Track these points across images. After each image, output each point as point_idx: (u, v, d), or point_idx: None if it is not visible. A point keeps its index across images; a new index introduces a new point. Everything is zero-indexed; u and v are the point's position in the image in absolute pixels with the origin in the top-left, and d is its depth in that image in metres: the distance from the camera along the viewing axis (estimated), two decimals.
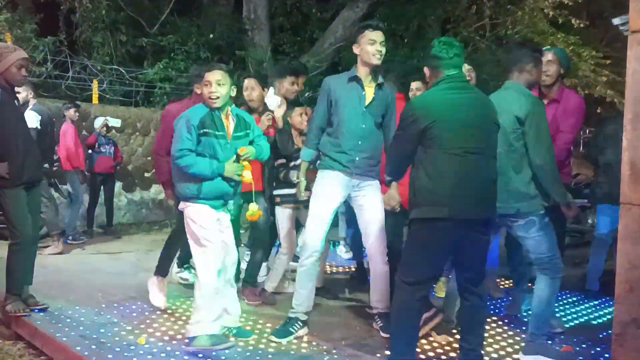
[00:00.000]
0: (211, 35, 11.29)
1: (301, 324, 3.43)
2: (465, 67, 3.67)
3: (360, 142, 3.35)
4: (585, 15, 11.65)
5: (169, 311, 3.86)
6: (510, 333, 3.67)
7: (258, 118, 4.06)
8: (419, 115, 2.69)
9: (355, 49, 3.38)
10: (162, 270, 4.02)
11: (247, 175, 3.21)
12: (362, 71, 3.39)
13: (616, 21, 5.23)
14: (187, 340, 3.19)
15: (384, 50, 3.33)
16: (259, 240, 4.22)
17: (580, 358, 3.25)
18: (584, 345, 3.46)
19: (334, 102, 3.39)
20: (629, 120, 2.01)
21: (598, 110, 12.36)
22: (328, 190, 3.39)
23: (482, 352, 2.88)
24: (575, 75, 11.49)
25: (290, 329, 3.38)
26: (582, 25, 11.00)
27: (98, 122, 7.55)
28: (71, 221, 6.87)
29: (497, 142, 2.84)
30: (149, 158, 8.82)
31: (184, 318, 3.70)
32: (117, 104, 9.39)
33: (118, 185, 7.79)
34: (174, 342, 3.28)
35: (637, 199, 1.96)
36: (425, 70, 2.89)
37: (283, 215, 4.20)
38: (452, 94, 2.74)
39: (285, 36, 12.23)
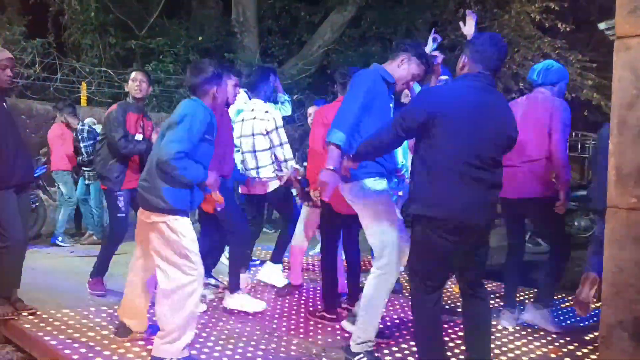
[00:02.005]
0: (200, 38, 11.31)
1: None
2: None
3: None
4: (571, 19, 11.79)
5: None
6: None
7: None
8: (427, 105, 2.57)
9: (403, 63, 3.17)
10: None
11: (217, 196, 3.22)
12: (398, 84, 3.23)
13: (602, 26, 5.33)
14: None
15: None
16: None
17: (567, 359, 3.30)
18: (570, 347, 3.50)
19: (376, 103, 3.06)
20: (615, 125, 2.05)
21: (585, 114, 12.50)
22: (389, 200, 3.11)
23: (489, 351, 2.79)
24: None
25: (377, 354, 3.12)
26: (568, 29, 11.15)
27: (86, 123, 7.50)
28: (62, 223, 6.84)
29: (503, 155, 2.68)
30: None
31: None
32: (106, 106, 9.32)
33: None
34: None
35: (623, 202, 2.00)
36: (463, 58, 2.70)
37: None
38: (467, 88, 2.61)
39: (274, 39, 12.27)
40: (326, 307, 3.88)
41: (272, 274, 4.74)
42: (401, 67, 3.19)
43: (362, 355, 2.99)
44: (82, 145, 6.81)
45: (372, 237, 3.06)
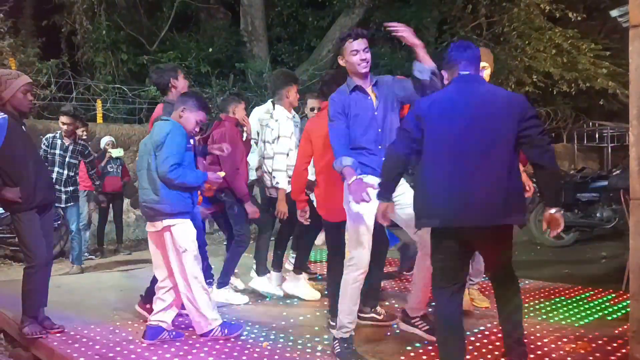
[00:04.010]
0: (210, 50, 11.39)
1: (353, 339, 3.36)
2: None
3: (380, 147, 3.30)
4: (582, 8, 11.65)
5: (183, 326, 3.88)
6: None
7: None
8: (416, 114, 2.72)
9: (341, 61, 3.38)
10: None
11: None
12: (357, 80, 3.36)
13: (614, 13, 5.24)
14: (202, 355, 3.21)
15: (368, 56, 3.30)
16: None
17: (597, 354, 3.24)
18: (599, 342, 3.45)
19: (350, 116, 3.32)
20: (634, 115, 2.02)
21: (601, 103, 12.32)
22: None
23: (524, 334, 2.89)
24: (575, 68, 11.50)
25: (354, 347, 3.30)
26: (579, 18, 11.01)
27: (103, 142, 7.61)
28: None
29: (510, 140, 2.60)
30: None
31: (194, 336, 3.71)
32: (121, 122, 9.46)
33: (126, 202, 7.84)
34: (189, 356, 3.29)
35: None
36: (442, 74, 2.91)
37: None
38: (454, 93, 2.71)
39: (283, 46, 12.31)
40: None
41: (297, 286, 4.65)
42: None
43: (337, 341, 3.30)
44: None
45: (347, 232, 3.35)
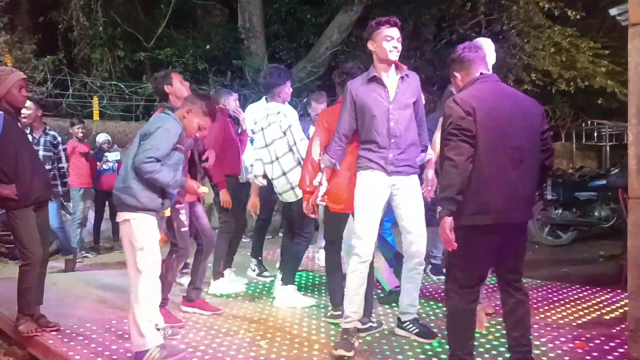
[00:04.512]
0: (208, 46, 11.35)
1: (357, 334, 3.36)
2: None
3: (393, 140, 3.30)
4: (581, 6, 11.63)
5: (183, 321, 3.86)
6: None
7: None
8: (466, 110, 2.57)
9: (370, 46, 3.33)
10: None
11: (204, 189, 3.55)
12: (379, 68, 3.34)
13: (613, 11, 5.23)
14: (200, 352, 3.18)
15: (400, 46, 3.31)
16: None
17: (595, 354, 3.24)
18: (597, 341, 3.44)
19: (359, 107, 3.35)
20: (633, 114, 2.01)
21: (599, 102, 12.31)
22: (372, 191, 3.32)
23: (532, 345, 2.87)
24: (574, 67, 11.49)
25: (352, 340, 3.28)
26: (578, 16, 10.99)
27: (100, 139, 7.59)
28: (73, 240, 6.93)
29: (538, 140, 2.70)
30: None
31: (194, 330, 3.70)
32: (118, 119, 9.42)
33: None
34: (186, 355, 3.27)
35: None
36: (456, 75, 2.85)
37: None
38: (491, 91, 2.68)
39: (281, 43, 12.27)
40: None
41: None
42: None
43: (343, 331, 3.33)
44: None
45: (354, 222, 3.38)
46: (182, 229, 4.04)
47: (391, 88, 3.35)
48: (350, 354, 3.16)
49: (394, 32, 3.29)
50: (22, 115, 4.78)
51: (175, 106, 4.12)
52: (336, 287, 3.85)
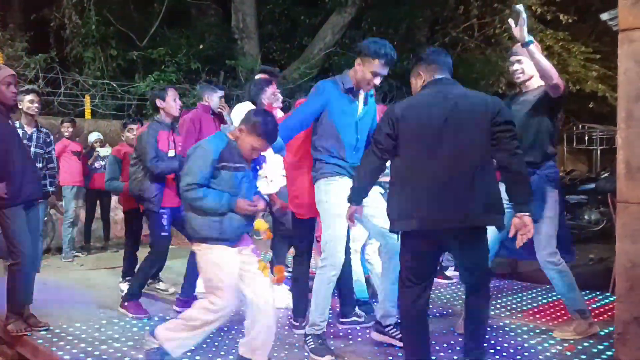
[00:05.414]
0: (201, 46, 11.31)
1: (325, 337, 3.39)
2: None
3: (354, 153, 3.32)
4: (573, 10, 11.72)
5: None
6: None
7: None
8: (389, 118, 2.72)
9: (357, 65, 3.27)
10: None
11: (262, 225, 3.06)
12: (355, 82, 3.35)
13: (604, 16, 5.27)
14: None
15: (378, 82, 3.33)
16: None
17: (583, 356, 3.26)
18: (585, 344, 3.47)
19: (330, 110, 3.32)
20: (622, 118, 2.03)
21: (590, 106, 12.40)
22: (343, 196, 3.15)
23: (485, 348, 2.88)
24: (566, 71, 11.57)
25: (326, 344, 3.31)
26: (570, 20, 11.07)
27: (92, 138, 7.54)
28: (64, 240, 6.88)
29: (487, 141, 2.61)
30: None
31: None
32: (110, 119, 9.35)
33: (114, 199, 7.76)
34: None
35: (634, 197, 1.97)
36: (412, 80, 2.92)
37: None
38: (429, 96, 2.72)
39: (274, 44, 12.25)
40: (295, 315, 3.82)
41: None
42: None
43: (310, 337, 3.30)
44: None
45: (323, 233, 3.33)
46: (162, 233, 4.07)
47: (360, 104, 3.39)
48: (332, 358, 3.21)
49: (385, 71, 3.28)
50: (32, 107, 4.72)
51: (164, 121, 4.16)
52: (300, 298, 3.81)
